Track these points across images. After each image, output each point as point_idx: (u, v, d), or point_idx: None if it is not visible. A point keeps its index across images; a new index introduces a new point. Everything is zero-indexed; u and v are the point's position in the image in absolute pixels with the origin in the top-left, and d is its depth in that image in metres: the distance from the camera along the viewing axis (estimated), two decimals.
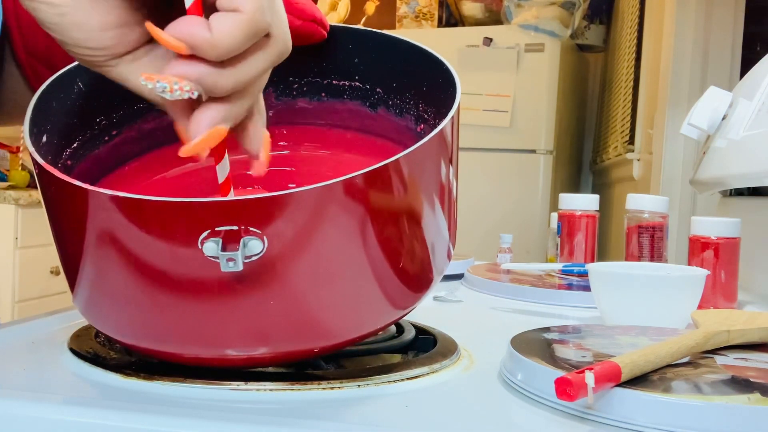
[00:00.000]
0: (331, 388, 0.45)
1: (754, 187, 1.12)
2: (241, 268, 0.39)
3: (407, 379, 0.47)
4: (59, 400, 0.41)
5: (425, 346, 0.54)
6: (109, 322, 0.46)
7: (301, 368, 0.48)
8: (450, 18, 3.67)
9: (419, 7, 3.77)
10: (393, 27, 3.81)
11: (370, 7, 3.47)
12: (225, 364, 0.45)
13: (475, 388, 0.48)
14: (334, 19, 4.11)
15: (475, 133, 3.07)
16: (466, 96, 3.09)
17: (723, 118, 1.06)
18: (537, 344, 0.51)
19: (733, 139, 1.00)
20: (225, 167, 0.42)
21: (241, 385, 0.44)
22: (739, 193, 1.19)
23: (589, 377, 0.39)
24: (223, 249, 0.39)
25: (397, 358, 0.52)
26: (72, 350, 0.50)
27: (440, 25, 3.71)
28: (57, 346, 0.52)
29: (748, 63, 1.93)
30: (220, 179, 0.42)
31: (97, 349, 0.50)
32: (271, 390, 0.44)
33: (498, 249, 1.47)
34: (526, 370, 0.46)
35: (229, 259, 0.39)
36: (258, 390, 0.44)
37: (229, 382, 0.44)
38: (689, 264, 0.79)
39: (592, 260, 1.02)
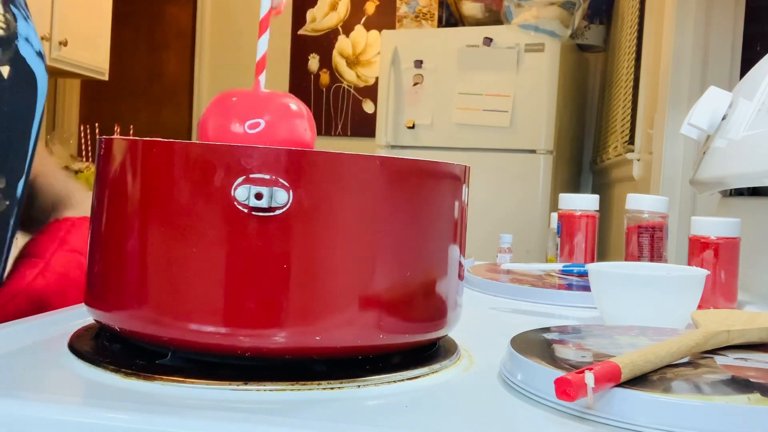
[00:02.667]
0: (331, 388, 0.45)
1: (754, 187, 1.12)
2: (265, 205, 0.43)
3: (407, 379, 0.47)
4: (59, 400, 0.41)
5: (425, 347, 0.54)
6: (132, 296, 0.47)
7: (301, 368, 0.48)
8: (450, 18, 3.67)
9: (419, 7, 3.78)
10: (393, 27, 3.81)
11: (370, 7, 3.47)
12: (230, 349, 0.45)
13: (475, 388, 0.48)
14: (334, 18, 4.11)
15: (475, 133, 3.07)
16: (466, 96, 3.09)
17: (723, 118, 1.06)
18: (537, 344, 0.51)
19: (733, 139, 1.00)
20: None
21: (241, 385, 0.44)
22: (739, 193, 1.19)
23: (589, 377, 0.39)
24: (254, 194, 0.44)
25: (397, 358, 0.52)
26: (72, 350, 0.50)
27: (440, 25, 3.71)
28: (57, 346, 0.52)
29: (748, 63, 1.93)
30: (262, 13, 0.52)
31: (97, 349, 0.50)
32: (271, 390, 0.44)
33: (498, 249, 1.47)
34: (526, 370, 0.46)
35: (258, 196, 0.43)
36: (258, 390, 0.44)
37: (229, 383, 0.44)
38: (689, 264, 0.79)
39: (592, 260, 1.02)
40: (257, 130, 0.50)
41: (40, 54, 0.78)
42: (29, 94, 0.77)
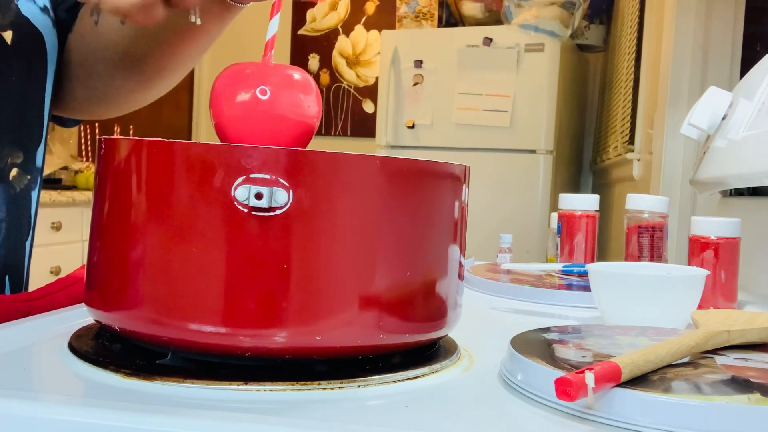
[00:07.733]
0: (331, 388, 0.45)
1: (754, 187, 1.12)
2: (265, 205, 0.43)
3: (407, 379, 0.47)
4: (59, 400, 0.41)
5: (425, 347, 0.54)
6: (131, 295, 0.47)
7: (302, 368, 0.48)
8: (450, 18, 3.67)
9: (419, 7, 3.78)
10: (393, 27, 3.81)
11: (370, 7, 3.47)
12: (230, 349, 0.45)
13: (475, 388, 0.48)
14: (334, 18, 4.11)
15: (475, 133, 3.07)
16: (466, 96, 3.09)
17: (723, 118, 1.06)
18: (537, 344, 0.51)
19: (733, 139, 1.00)
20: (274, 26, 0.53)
21: (241, 385, 0.44)
22: (739, 193, 1.19)
23: (589, 377, 0.39)
24: (254, 194, 0.43)
25: (397, 358, 0.52)
26: (72, 350, 0.50)
27: (440, 25, 3.71)
28: (57, 346, 0.52)
29: (748, 63, 1.93)
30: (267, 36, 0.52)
31: (97, 349, 0.50)
32: (271, 390, 0.44)
33: (498, 249, 1.47)
34: (526, 370, 0.46)
35: (258, 196, 0.43)
36: (258, 390, 0.44)
37: (229, 383, 0.44)
38: (689, 264, 0.79)
39: (592, 260, 1.02)
40: (266, 97, 0.50)
41: (45, 9, 0.70)
42: (38, 58, 0.69)
